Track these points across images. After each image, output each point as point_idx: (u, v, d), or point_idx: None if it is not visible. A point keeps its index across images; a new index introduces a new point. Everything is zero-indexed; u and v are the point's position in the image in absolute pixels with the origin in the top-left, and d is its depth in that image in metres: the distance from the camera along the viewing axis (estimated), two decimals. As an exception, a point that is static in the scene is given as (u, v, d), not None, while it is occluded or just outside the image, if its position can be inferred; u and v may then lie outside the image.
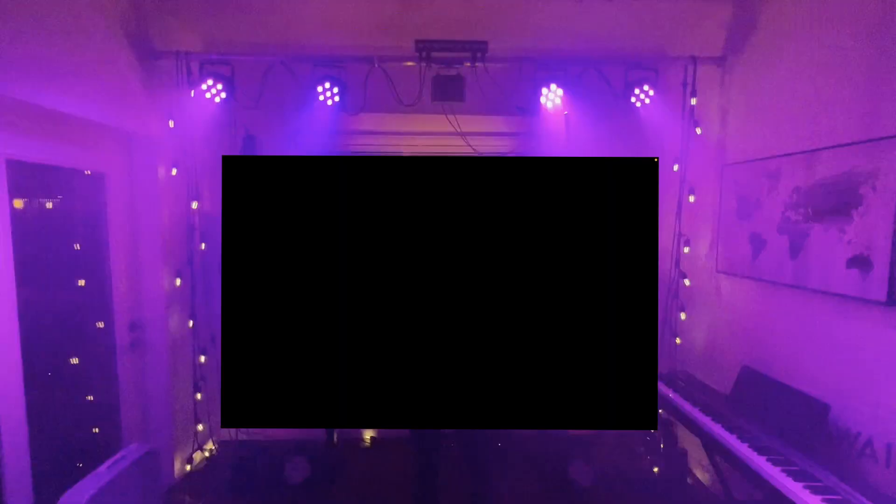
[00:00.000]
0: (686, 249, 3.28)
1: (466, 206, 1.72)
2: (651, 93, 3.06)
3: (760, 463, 1.94)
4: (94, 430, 2.74)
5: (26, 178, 2.29)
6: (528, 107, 3.12)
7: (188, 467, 3.32)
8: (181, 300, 3.24)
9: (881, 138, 1.94)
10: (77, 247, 2.62)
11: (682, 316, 3.33)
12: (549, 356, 1.72)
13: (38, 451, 2.21)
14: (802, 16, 2.43)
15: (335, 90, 3.00)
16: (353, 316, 1.72)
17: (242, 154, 3.44)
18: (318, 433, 3.60)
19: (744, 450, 2.05)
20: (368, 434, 3.88)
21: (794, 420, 2.15)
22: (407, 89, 3.05)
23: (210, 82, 2.94)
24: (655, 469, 3.31)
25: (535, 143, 3.56)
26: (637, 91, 3.07)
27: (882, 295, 1.92)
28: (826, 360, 2.26)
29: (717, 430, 2.25)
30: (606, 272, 1.72)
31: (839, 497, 1.71)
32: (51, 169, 2.44)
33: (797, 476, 1.83)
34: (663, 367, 3.36)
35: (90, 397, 2.71)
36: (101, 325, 2.77)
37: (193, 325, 3.26)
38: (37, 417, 2.22)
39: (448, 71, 3.01)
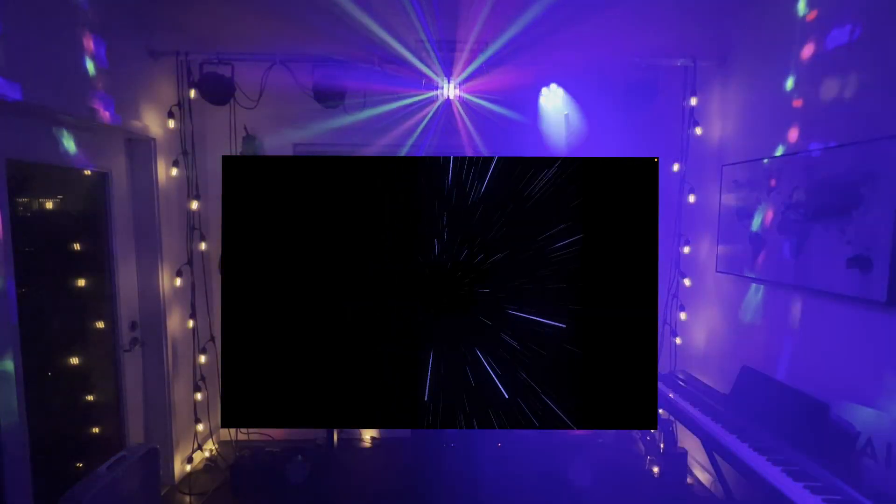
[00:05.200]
0: (686, 249, 3.28)
1: (466, 206, 1.72)
2: (651, 93, 3.05)
3: (760, 463, 1.94)
4: (94, 430, 2.74)
5: (26, 178, 2.29)
6: (528, 107, 3.12)
7: (188, 467, 3.32)
8: (181, 300, 3.25)
9: (881, 138, 1.94)
10: (77, 247, 2.62)
11: (682, 316, 3.33)
12: (548, 356, 1.72)
13: (38, 452, 2.21)
14: (802, 16, 2.43)
15: (335, 90, 3.00)
16: (352, 316, 1.72)
17: (242, 154, 3.44)
18: (318, 433, 3.60)
19: (744, 450, 2.05)
20: (368, 434, 3.88)
21: (794, 420, 2.15)
22: (407, 89, 3.05)
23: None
24: (655, 469, 3.31)
25: (535, 142, 3.55)
26: (636, 91, 3.06)
27: (882, 295, 1.92)
28: (826, 360, 2.26)
29: (717, 430, 2.25)
30: (606, 272, 1.72)
31: (839, 497, 1.71)
32: (51, 169, 2.44)
33: (797, 476, 1.83)
34: (663, 367, 3.36)
35: (90, 397, 2.71)
36: (101, 325, 2.77)
37: (193, 325, 3.26)
38: (37, 417, 2.22)
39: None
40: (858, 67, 2.11)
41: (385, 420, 1.74)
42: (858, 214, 2.04)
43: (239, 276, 1.73)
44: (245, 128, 3.45)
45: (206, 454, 3.53)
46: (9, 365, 2.05)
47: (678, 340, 3.38)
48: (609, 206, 1.72)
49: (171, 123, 3.06)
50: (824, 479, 1.80)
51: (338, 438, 3.49)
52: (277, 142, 3.61)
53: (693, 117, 3.15)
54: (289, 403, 1.74)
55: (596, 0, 2.76)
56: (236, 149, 3.42)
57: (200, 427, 3.33)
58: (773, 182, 2.55)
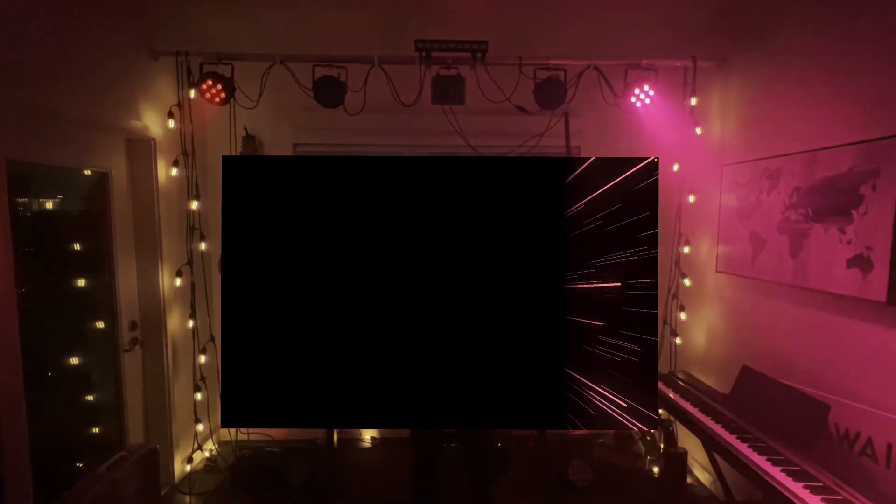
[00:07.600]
0: (686, 249, 3.28)
1: (465, 206, 1.72)
2: (651, 93, 3.05)
3: (760, 463, 1.94)
4: (94, 430, 2.74)
5: (26, 178, 2.29)
6: (528, 107, 3.11)
7: (188, 467, 3.32)
8: (181, 300, 3.24)
9: (881, 138, 1.94)
10: (77, 246, 2.62)
11: (682, 316, 3.33)
12: (548, 356, 1.72)
13: (38, 451, 2.20)
14: (802, 16, 2.43)
15: (334, 89, 2.99)
16: (351, 315, 1.72)
17: (242, 154, 3.44)
18: (318, 433, 3.60)
19: (744, 450, 2.05)
20: (368, 434, 3.88)
21: (794, 420, 2.15)
22: (407, 89, 3.05)
23: (210, 82, 2.94)
24: (655, 469, 3.31)
25: (535, 143, 3.55)
26: (637, 91, 3.06)
27: (882, 295, 1.92)
28: (826, 361, 2.26)
29: (717, 430, 2.24)
30: (606, 272, 1.72)
31: (839, 497, 1.71)
32: (51, 169, 2.43)
33: (797, 476, 1.83)
34: (663, 367, 3.36)
35: (90, 397, 2.71)
36: (101, 324, 2.77)
37: (193, 325, 3.26)
38: (37, 417, 2.21)
39: (448, 71, 3.01)
40: (859, 67, 2.11)
41: (385, 420, 1.74)
42: (858, 214, 2.04)
43: (239, 276, 1.72)
44: (245, 128, 3.44)
45: (206, 454, 3.53)
46: (9, 365, 2.04)
47: (678, 340, 3.38)
48: (609, 206, 1.72)
49: (171, 123, 3.06)
50: (824, 479, 1.80)
51: (338, 438, 3.48)
52: (277, 142, 3.61)
53: (693, 117, 3.15)
54: (288, 403, 1.74)
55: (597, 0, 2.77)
56: (236, 149, 3.42)
57: (200, 427, 3.33)
58: (773, 182, 2.55)
